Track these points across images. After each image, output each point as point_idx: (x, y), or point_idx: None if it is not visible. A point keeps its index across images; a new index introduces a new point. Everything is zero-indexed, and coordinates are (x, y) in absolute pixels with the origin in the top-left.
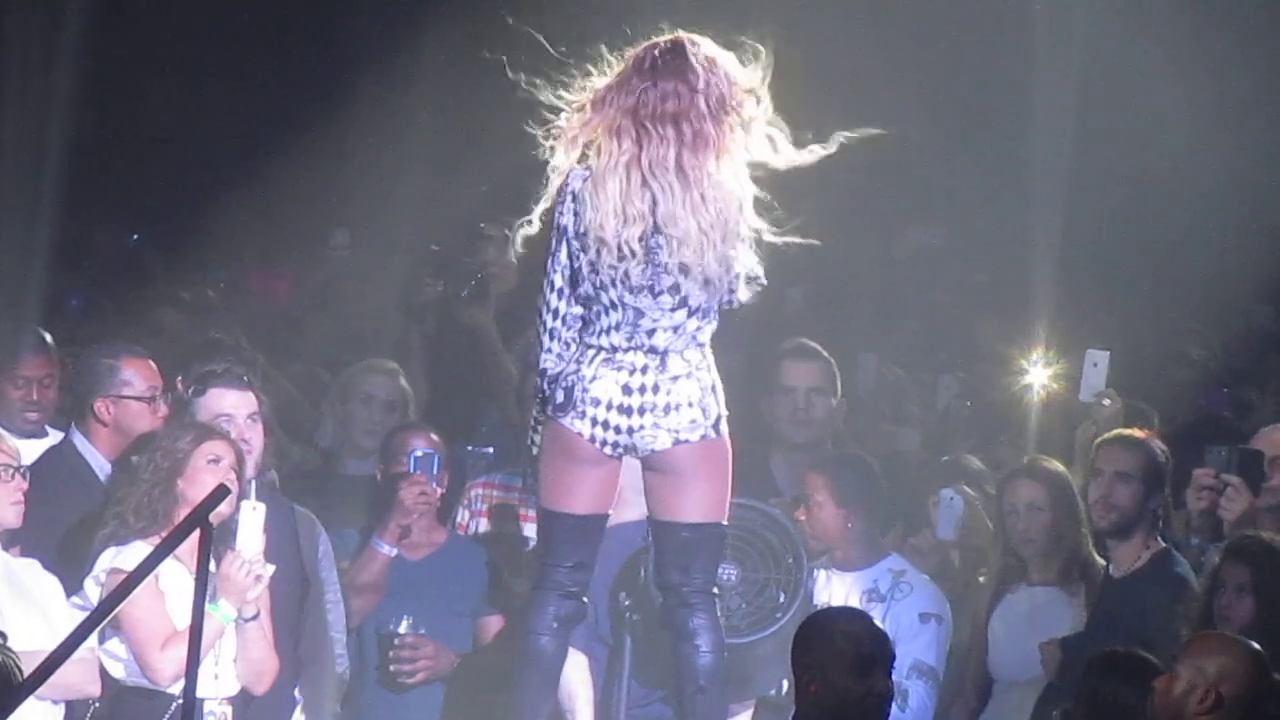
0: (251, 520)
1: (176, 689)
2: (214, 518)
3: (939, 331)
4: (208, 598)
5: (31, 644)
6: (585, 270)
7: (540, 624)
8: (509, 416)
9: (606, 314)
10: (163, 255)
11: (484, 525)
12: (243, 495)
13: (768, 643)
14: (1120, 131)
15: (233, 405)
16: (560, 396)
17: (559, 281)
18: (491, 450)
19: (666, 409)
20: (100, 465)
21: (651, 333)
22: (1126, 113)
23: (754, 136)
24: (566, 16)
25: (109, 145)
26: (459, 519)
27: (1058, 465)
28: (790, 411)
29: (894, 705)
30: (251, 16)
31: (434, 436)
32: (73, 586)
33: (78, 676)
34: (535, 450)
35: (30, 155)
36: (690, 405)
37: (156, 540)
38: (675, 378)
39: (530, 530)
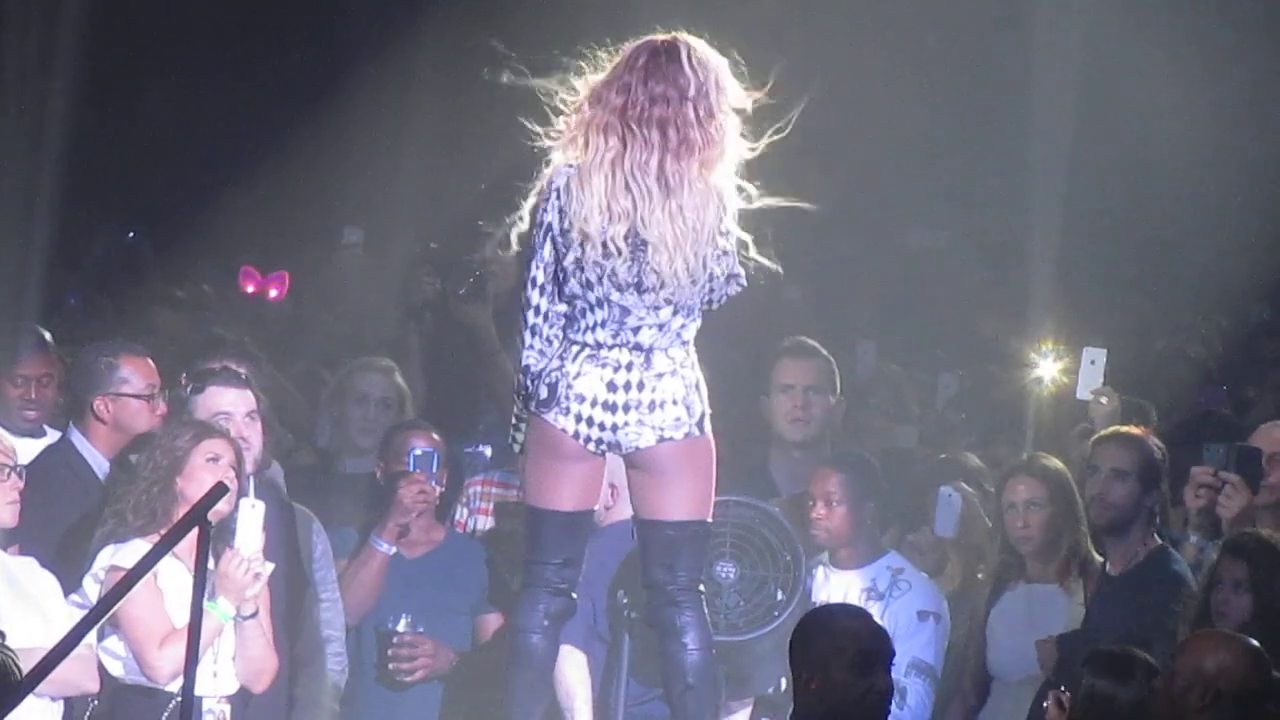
0: (250, 518)
1: (175, 687)
2: (213, 515)
3: (938, 329)
4: (206, 595)
5: (30, 642)
6: (571, 267)
7: (531, 622)
8: (508, 415)
9: (592, 311)
10: (159, 254)
11: (483, 523)
12: (241, 493)
13: (766, 640)
14: (1119, 131)
15: (231, 403)
16: (544, 393)
17: (541, 278)
18: (490, 448)
19: (651, 406)
20: (99, 463)
21: (637, 330)
22: (1125, 113)
23: (734, 148)
24: (564, 16)
25: (107, 144)
26: (458, 517)
27: (1056, 462)
28: (788, 410)
29: (892, 703)
30: (248, 15)
31: (434, 435)
32: (72, 584)
33: (76, 673)
34: (518, 447)
35: (28, 153)
36: (675, 403)
37: (155, 538)
38: (660, 375)
39: None
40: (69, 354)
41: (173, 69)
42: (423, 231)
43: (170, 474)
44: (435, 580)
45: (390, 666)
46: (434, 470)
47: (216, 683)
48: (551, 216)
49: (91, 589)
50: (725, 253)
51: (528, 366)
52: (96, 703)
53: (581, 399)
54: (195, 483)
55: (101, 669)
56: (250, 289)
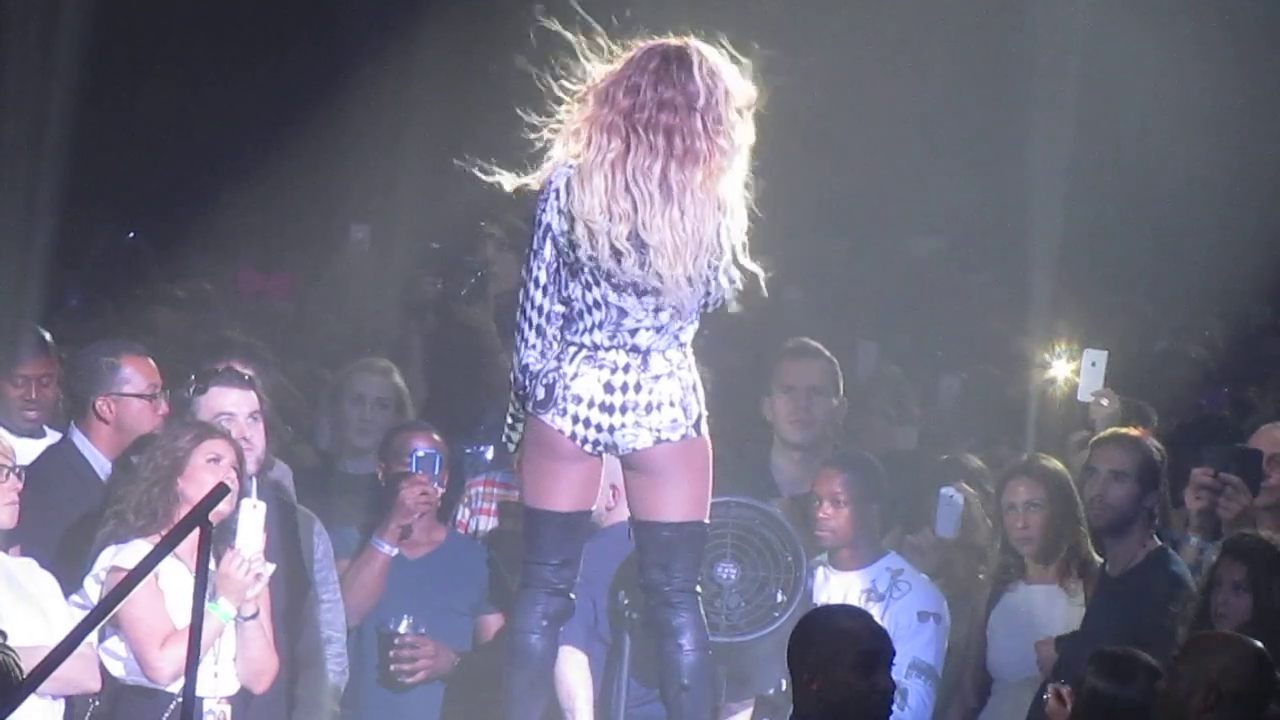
0: (251, 519)
1: (176, 687)
2: (214, 516)
3: (939, 331)
4: (207, 596)
5: (31, 641)
6: (570, 268)
7: (529, 623)
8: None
9: (590, 313)
10: (159, 253)
11: (485, 523)
12: (243, 494)
13: (767, 641)
14: (1119, 133)
15: (234, 404)
16: (541, 393)
17: (543, 278)
18: (491, 449)
19: (648, 408)
20: (100, 464)
21: (634, 332)
22: (1125, 114)
23: (740, 159)
24: (568, 14)
25: (108, 143)
26: (459, 517)
27: (1056, 463)
28: (790, 411)
29: (894, 704)
30: (248, 14)
31: (435, 436)
32: (73, 585)
33: (78, 672)
34: (512, 446)
35: (29, 153)
36: (672, 404)
37: (156, 539)
38: (657, 377)
39: None
40: (70, 354)
41: (174, 68)
42: (426, 230)
43: (171, 474)
44: (437, 581)
45: (392, 667)
46: (436, 472)
47: (217, 683)
48: (550, 217)
49: (93, 590)
50: (724, 259)
51: (527, 366)
52: (98, 703)
53: (578, 400)
54: (196, 483)
55: (102, 669)
56: (249, 289)
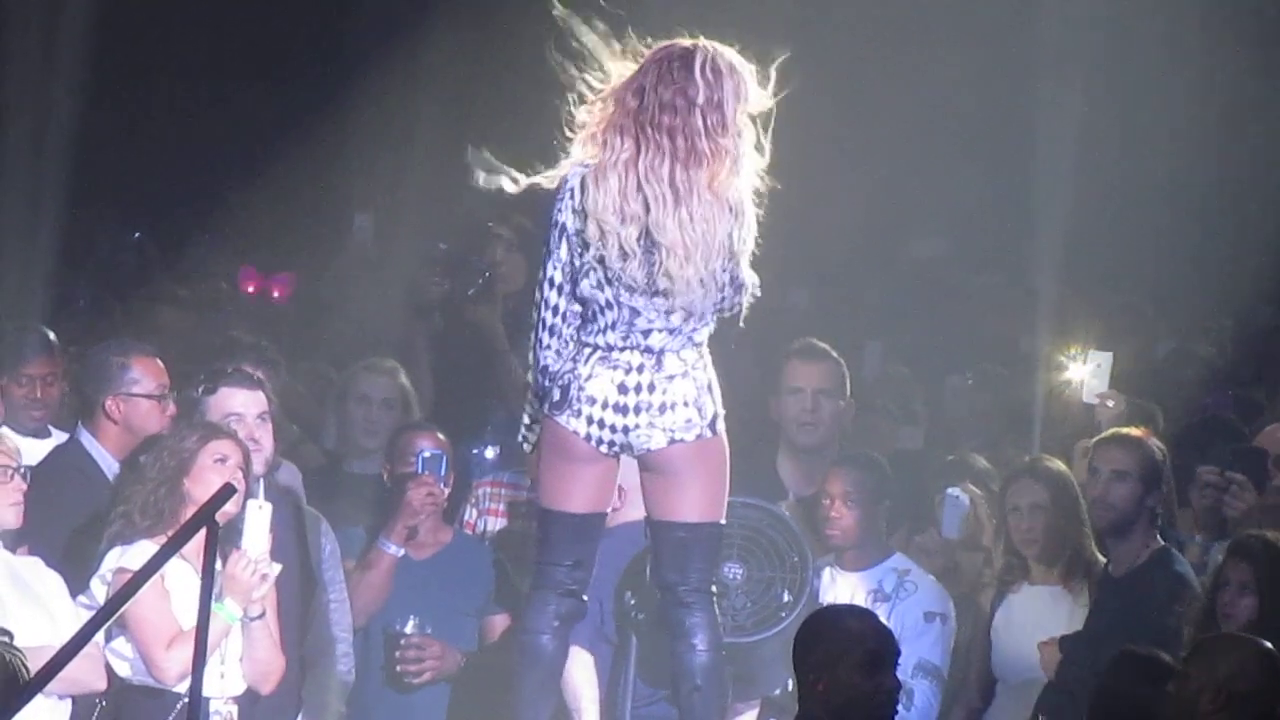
0: (257, 519)
1: (182, 688)
2: (220, 516)
3: (945, 331)
4: (213, 597)
5: (37, 641)
6: (584, 267)
7: (540, 623)
8: (515, 415)
9: (603, 313)
10: (165, 253)
11: (492, 523)
12: (249, 494)
13: (773, 642)
14: (1125, 133)
15: (242, 404)
16: (557, 395)
17: (559, 278)
18: (498, 449)
19: (662, 408)
20: (108, 464)
21: (647, 333)
22: (1131, 114)
23: (750, 160)
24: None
25: (112, 142)
26: (466, 518)
27: (1060, 465)
28: (797, 413)
29: (899, 704)
30: (254, 13)
31: (440, 436)
32: (80, 585)
33: (84, 672)
34: (529, 447)
35: (34, 154)
36: (686, 404)
37: (163, 539)
38: (671, 377)
39: None
40: (78, 354)
41: (179, 67)
42: (433, 230)
43: (178, 475)
44: (443, 582)
45: (398, 668)
46: (442, 473)
47: (224, 684)
48: (565, 216)
49: (99, 590)
50: (738, 263)
51: (545, 366)
52: (104, 703)
53: (592, 401)
54: (202, 484)
55: (109, 670)
56: (250, 289)
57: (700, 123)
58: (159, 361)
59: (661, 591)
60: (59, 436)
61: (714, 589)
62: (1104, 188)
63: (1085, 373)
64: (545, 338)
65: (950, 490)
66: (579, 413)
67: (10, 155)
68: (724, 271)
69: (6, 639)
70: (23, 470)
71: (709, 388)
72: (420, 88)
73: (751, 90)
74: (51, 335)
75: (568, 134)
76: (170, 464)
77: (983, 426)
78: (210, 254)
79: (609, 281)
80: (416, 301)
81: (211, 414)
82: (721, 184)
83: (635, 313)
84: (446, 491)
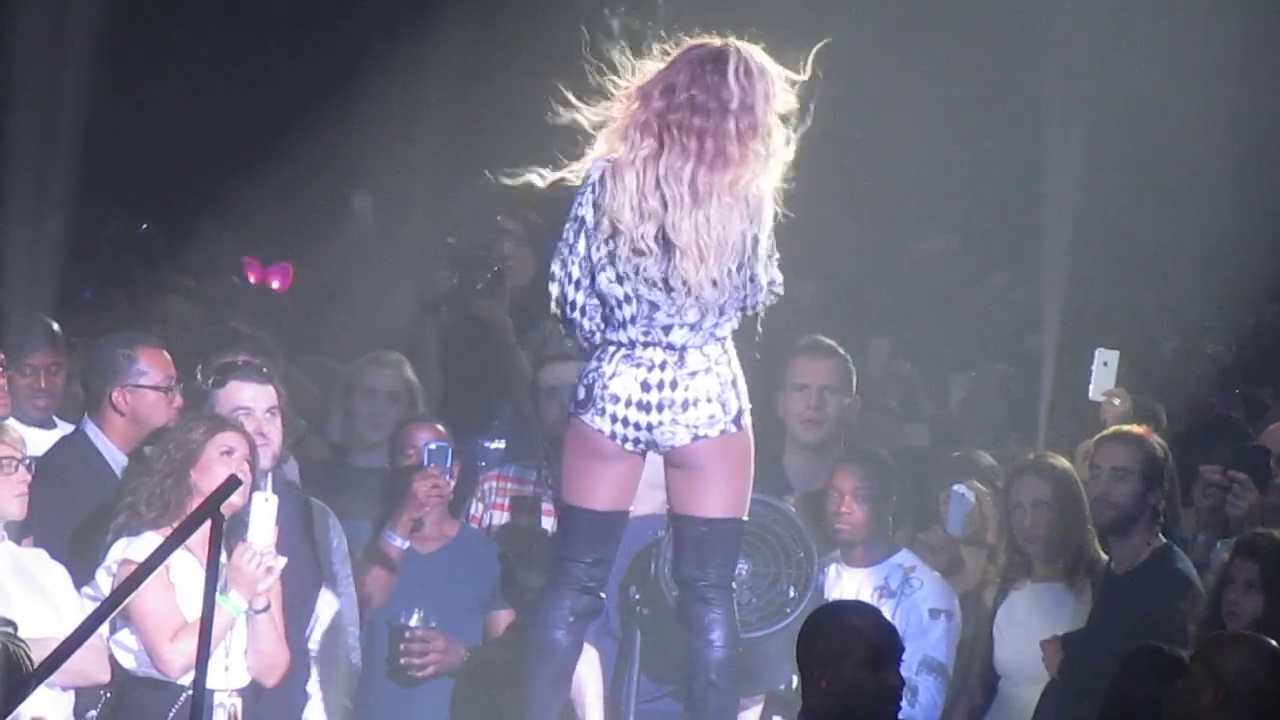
0: (263, 512)
1: (186, 680)
2: (226, 509)
3: (951, 329)
4: (218, 589)
5: (41, 632)
6: (601, 261)
7: (555, 618)
8: (522, 410)
9: (621, 307)
10: (171, 245)
11: (497, 517)
12: (255, 487)
13: (778, 638)
14: (1132, 131)
15: (251, 398)
16: (581, 394)
17: (577, 273)
18: (504, 443)
19: (685, 405)
20: (114, 456)
21: (668, 329)
22: (1138, 112)
23: (777, 161)
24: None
25: (119, 134)
26: (472, 511)
27: (1064, 462)
28: (802, 410)
29: (903, 700)
30: (261, 6)
31: (441, 429)
32: (85, 577)
33: (88, 663)
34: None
35: (41, 145)
36: (709, 400)
37: (168, 531)
38: (694, 373)
39: (548, 524)
40: (85, 346)
41: (185, 60)
42: (442, 225)
43: (184, 466)
44: (448, 575)
45: (402, 661)
46: (447, 465)
47: (228, 676)
48: (585, 210)
49: (104, 582)
50: (756, 261)
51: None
52: (108, 695)
53: (616, 399)
54: (209, 475)
55: (113, 661)
56: (251, 280)
57: (732, 126)
58: (166, 354)
59: (681, 586)
60: (65, 428)
61: (734, 585)
62: (1111, 185)
63: (1092, 370)
64: (571, 332)
65: (956, 487)
66: (603, 411)
67: (18, 148)
68: (740, 271)
69: (10, 630)
70: (28, 461)
71: (733, 383)
72: (424, 73)
73: (779, 91)
74: (55, 325)
75: (579, 135)
76: (177, 455)
77: (988, 424)
78: (217, 245)
79: (627, 275)
80: (425, 296)
81: (220, 407)
82: (743, 186)
83: (654, 306)
84: (451, 484)
